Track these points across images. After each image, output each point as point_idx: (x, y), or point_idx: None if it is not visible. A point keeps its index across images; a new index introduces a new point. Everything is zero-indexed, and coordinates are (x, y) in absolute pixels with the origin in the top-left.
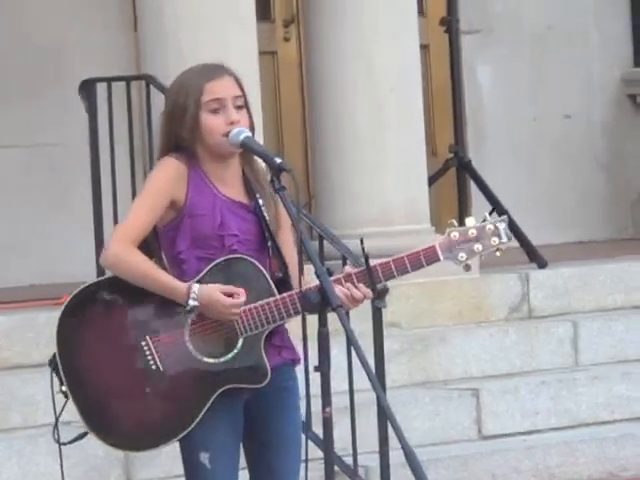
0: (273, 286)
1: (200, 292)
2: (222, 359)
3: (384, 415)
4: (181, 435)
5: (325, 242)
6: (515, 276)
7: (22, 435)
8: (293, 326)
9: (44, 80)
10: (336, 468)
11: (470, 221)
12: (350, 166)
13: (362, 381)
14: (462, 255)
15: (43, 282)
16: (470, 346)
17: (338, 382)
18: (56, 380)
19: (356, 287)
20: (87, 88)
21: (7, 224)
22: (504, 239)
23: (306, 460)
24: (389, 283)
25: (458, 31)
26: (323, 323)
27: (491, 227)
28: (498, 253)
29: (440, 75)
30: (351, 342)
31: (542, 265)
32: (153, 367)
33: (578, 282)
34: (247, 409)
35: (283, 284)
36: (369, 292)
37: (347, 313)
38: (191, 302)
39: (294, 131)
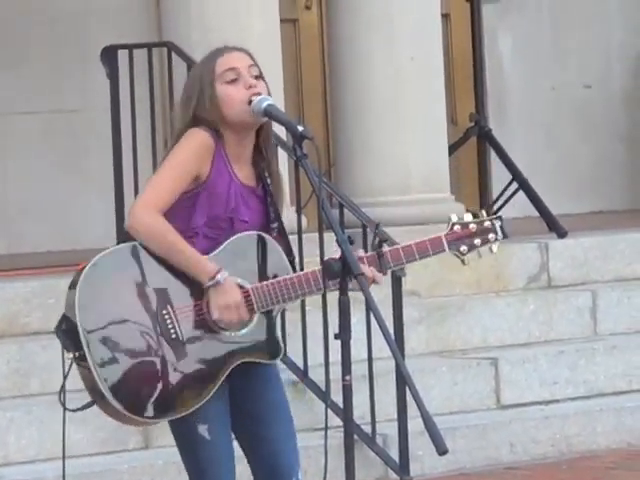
0: (288, 263)
1: (224, 280)
2: (238, 333)
3: (403, 383)
4: (196, 406)
5: (345, 210)
6: (534, 245)
7: (41, 401)
8: None
9: (64, 46)
10: (354, 436)
11: (468, 216)
12: (371, 134)
13: (380, 350)
14: (464, 248)
15: (60, 249)
16: (489, 315)
17: (357, 351)
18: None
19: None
20: (108, 55)
21: (25, 190)
22: (500, 235)
23: (325, 428)
24: None
25: (479, 0)
26: (344, 291)
27: (488, 223)
28: (494, 248)
29: (461, 44)
30: (371, 309)
31: (562, 235)
32: (173, 336)
33: (597, 252)
34: (230, 383)
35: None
36: (380, 276)
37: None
38: (219, 278)
39: (314, 99)
